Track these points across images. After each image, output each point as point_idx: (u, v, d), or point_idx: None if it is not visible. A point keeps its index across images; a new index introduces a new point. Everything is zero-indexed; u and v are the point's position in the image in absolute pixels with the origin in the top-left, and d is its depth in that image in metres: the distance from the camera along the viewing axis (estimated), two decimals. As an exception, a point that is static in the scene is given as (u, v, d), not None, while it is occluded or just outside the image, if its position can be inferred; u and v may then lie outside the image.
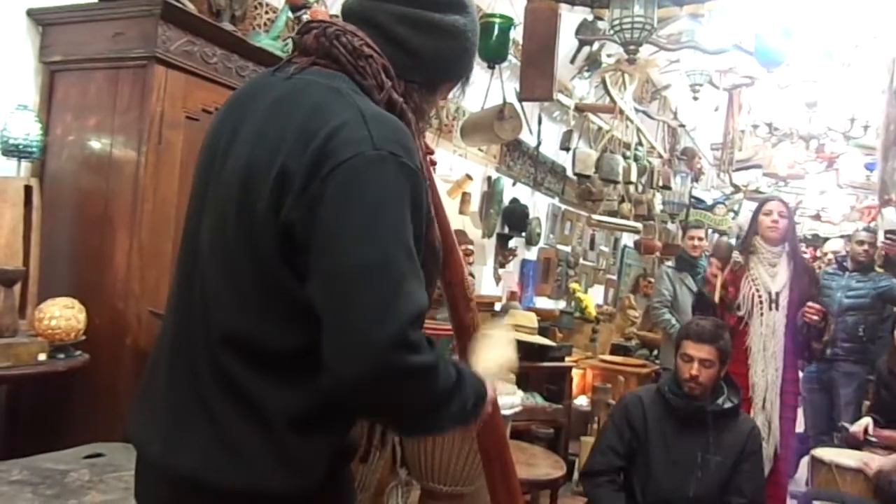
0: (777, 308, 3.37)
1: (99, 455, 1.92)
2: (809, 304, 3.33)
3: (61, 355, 2.00)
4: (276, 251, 0.96)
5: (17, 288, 2.02)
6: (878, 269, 4.61)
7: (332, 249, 0.92)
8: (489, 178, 4.79)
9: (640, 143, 5.25)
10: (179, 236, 1.16)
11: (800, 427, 4.10)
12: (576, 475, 3.84)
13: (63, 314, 2.00)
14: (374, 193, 0.93)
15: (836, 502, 2.73)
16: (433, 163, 1.28)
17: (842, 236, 5.41)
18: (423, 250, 1.00)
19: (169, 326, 1.11)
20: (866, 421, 3.29)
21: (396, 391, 0.92)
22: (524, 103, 3.87)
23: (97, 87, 2.21)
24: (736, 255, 3.51)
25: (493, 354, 1.26)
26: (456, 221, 4.09)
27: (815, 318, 3.28)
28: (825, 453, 3.11)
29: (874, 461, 2.69)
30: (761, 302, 3.39)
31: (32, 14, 2.26)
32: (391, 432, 1.25)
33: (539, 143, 4.90)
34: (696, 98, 5.03)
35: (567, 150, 5.10)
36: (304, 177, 0.93)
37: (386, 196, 0.94)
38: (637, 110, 5.24)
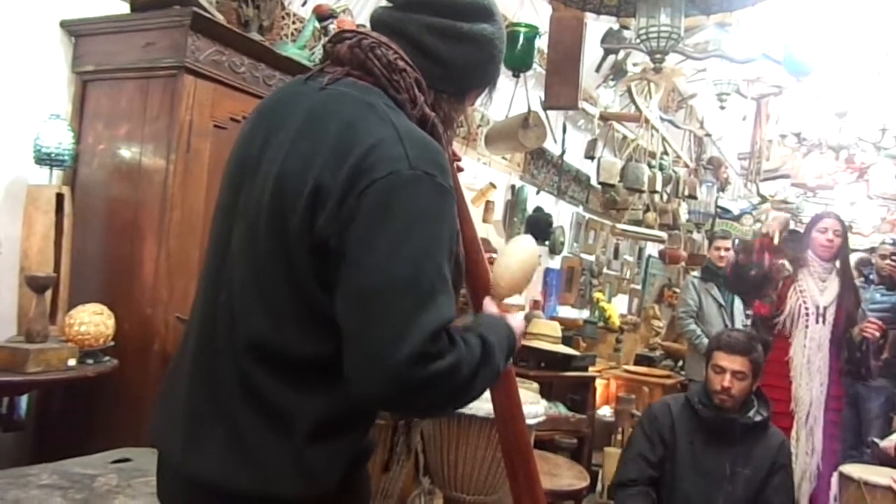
0: (824, 323, 3.37)
1: (126, 460, 1.94)
2: (871, 319, 3.40)
3: (90, 361, 2.03)
4: (308, 263, 0.97)
5: (48, 294, 2.05)
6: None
7: (361, 266, 0.93)
8: (513, 186, 4.79)
9: (665, 153, 5.21)
10: (206, 243, 1.17)
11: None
12: (599, 486, 3.80)
13: (92, 320, 2.03)
14: (408, 212, 0.94)
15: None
16: (460, 169, 1.29)
17: (867, 249, 5.31)
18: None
19: (193, 331, 1.12)
20: (897, 436, 3.22)
21: (422, 396, 0.93)
22: (549, 112, 3.86)
23: (128, 96, 2.25)
24: (787, 265, 3.51)
25: (515, 258, 1.26)
26: (480, 230, 4.08)
27: (876, 333, 3.30)
28: (853, 470, 3.04)
29: None
30: (807, 315, 3.38)
31: (65, 25, 2.31)
32: (414, 441, 1.26)
33: (563, 152, 4.89)
34: (722, 107, 4.98)
35: (592, 158, 5.08)
36: (339, 193, 0.94)
37: (419, 216, 0.94)
38: (663, 119, 5.21)
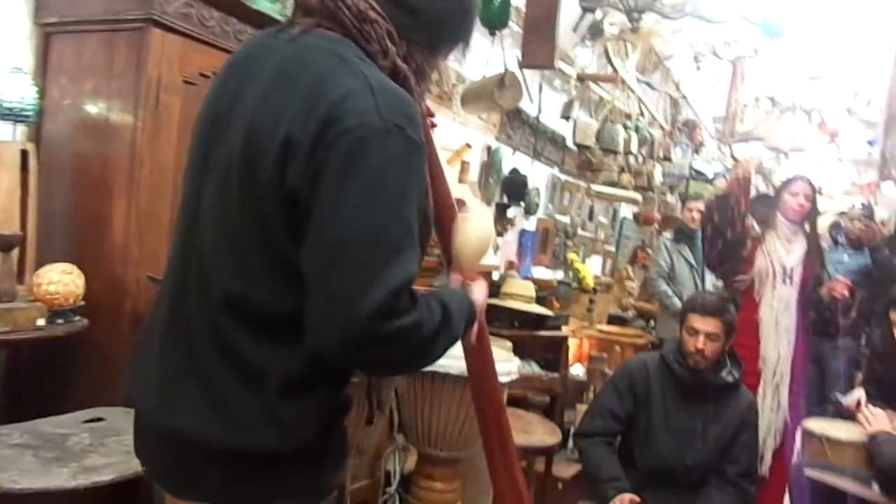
0: (791, 283, 3.45)
1: (99, 419, 1.94)
2: (839, 279, 3.53)
3: (60, 320, 2.00)
4: (279, 217, 0.96)
5: (15, 253, 2.01)
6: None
7: (328, 218, 0.92)
8: (489, 147, 4.76)
9: (641, 114, 5.21)
10: (178, 201, 1.16)
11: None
12: (570, 443, 3.88)
13: (61, 279, 1.99)
14: (377, 166, 0.93)
15: (827, 471, 2.76)
16: (433, 125, 1.28)
17: (838, 213, 5.40)
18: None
19: (167, 289, 1.12)
20: (859, 393, 3.33)
21: (381, 352, 0.94)
22: (525, 72, 3.82)
23: (93, 49, 2.19)
24: (755, 226, 3.56)
25: (474, 232, 1.26)
26: (455, 190, 4.07)
27: (845, 293, 3.39)
28: (816, 425, 3.14)
29: (876, 417, 2.70)
30: (774, 275, 3.45)
31: (27, -26, 2.22)
32: (388, 398, 1.27)
33: (540, 113, 4.86)
34: (698, 69, 4.99)
35: (568, 119, 5.06)
36: (309, 145, 0.93)
37: (388, 169, 0.94)
38: (639, 80, 5.19)
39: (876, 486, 2.60)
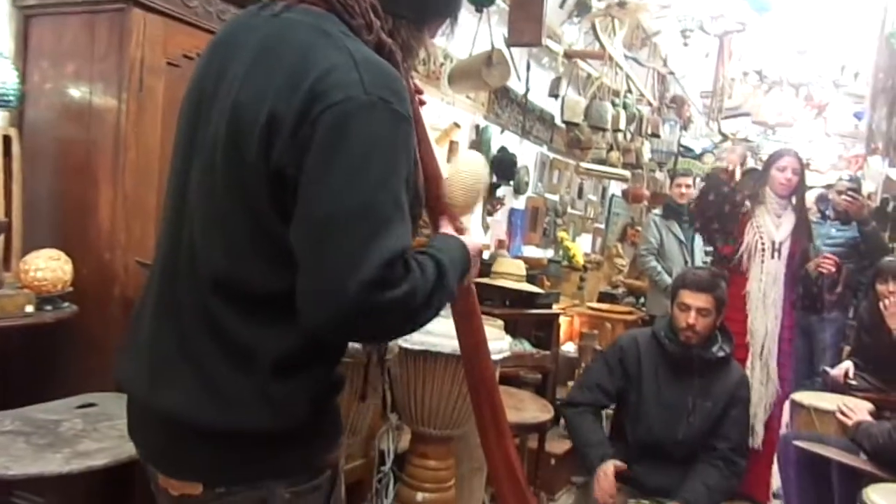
0: (779, 257, 3.48)
1: (91, 405, 1.94)
2: (826, 255, 3.57)
3: (49, 307, 1.99)
4: (266, 196, 0.96)
5: (1, 240, 2.00)
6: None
7: (316, 194, 0.91)
8: (477, 126, 4.74)
9: (629, 91, 5.19)
10: (164, 185, 1.15)
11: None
12: (563, 420, 3.91)
13: (48, 265, 1.98)
14: (364, 139, 0.92)
15: (814, 441, 2.80)
16: (422, 103, 1.27)
17: (825, 186, 5.43)
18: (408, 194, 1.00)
19: (156, 271, 1.11)
20: (847, 365, 3.37)
21: (374, 324, 0.93)
22: (513, 50, 3.80)
23: (73, 32, 2.15)
24: (746, 203, 3.58)
25: (465, 176, 1.26)
26: (444, 170, 4.06)
27: (832, 268, 3.42)
28: (804, 397, 3.19)
29: (855, 411, 2.74)
30: (763, 250, 3.48)
31: (3, -45, 2.18)
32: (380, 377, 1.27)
33: (527, 91, 4.84)
34: (686, 44, 4.97)
35: (556, 97, 5.04)
36: (293, 121, 0.92)
37: (374, 143, 0.93)
38: (627, 57, 5.16)
39: (863, 455, 2.64)
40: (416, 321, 1.00)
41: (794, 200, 3.59)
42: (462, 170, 1.27)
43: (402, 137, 0.96)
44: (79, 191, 2.14)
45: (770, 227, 3.53)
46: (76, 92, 2.15)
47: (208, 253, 1.01)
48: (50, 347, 2.12)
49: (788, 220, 3.56)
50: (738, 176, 3.59)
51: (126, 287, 2.09)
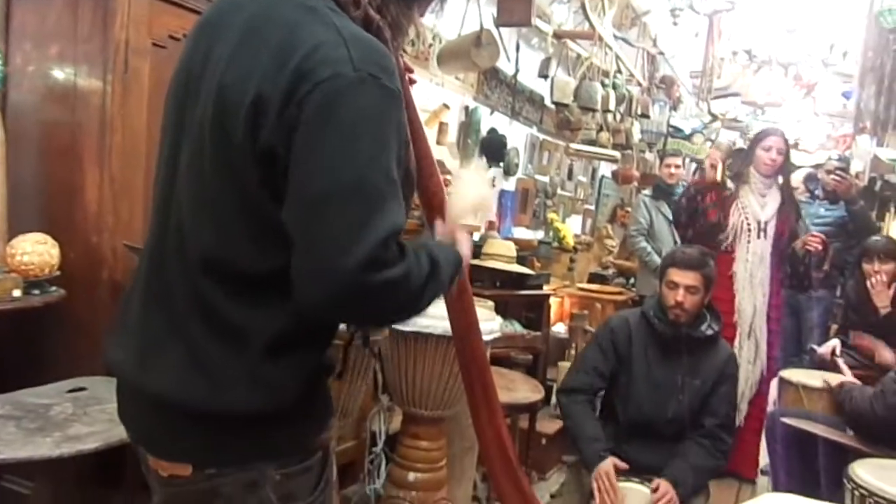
0: (765, 237, 3.50)
1: (81, 389, 1.93)
2: (813, 233, 3.57)
3: (36, 291, 1.97)
4: (256, 175, 0.95)
5: (-14, 224, 1.98)
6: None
7: (307, 172, 0.90)
8: (466, 107, 4.72)
9: (619, 71, 5.18)
10: (152, 167, 1.14)
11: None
12: (553, 399, 3.94)
13: (35, 249, 1.96)
14: (353, 116, 0.91)
15: (802, 419, 2.84)
16: (412, 81, 1.26)
17: (814, 166, 5.45)
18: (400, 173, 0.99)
19: (146, 254, 1.11)
20: (833, 343, 3.41)
21: (371, 304, 0.93)
22: (502, 30, 3.77)
23: (56, 12, 2.11)
24: (729, 183, 3.58)
25: (468, 193, 1.25)
26: (433, 152, 4.04)
27: (819, 247, 3.45)
28: (792, 374, 3.22)
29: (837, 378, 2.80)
30: (749, 230, 3.50)
31: (-18, -67, 2.14)
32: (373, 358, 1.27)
33: (517, 71, 4.81)
34: (675, 24, 4.96)
35: (545, 78, 5.02)
36: (280, 100, 0.91)
37: (364, 119, 0.91)
38: (616, 37, 5.14)
39: (850, 431, 2.68)
40: (410, 307, 0.99)
41: (779, 180, 3.61)
42: (463, 191, 1.25)
43: (392, 113, 0.95)
44: (64, 174, 2.12)
45: (755, 206, 3.54)
46: (60, 74, 2.12)
47: (198, 234, 1.01)
48: (38, 332, 2.11)
49: (774, 200, 3.58)
50: (718, 175, 3.57)
51: (114, 270, 2.08)
